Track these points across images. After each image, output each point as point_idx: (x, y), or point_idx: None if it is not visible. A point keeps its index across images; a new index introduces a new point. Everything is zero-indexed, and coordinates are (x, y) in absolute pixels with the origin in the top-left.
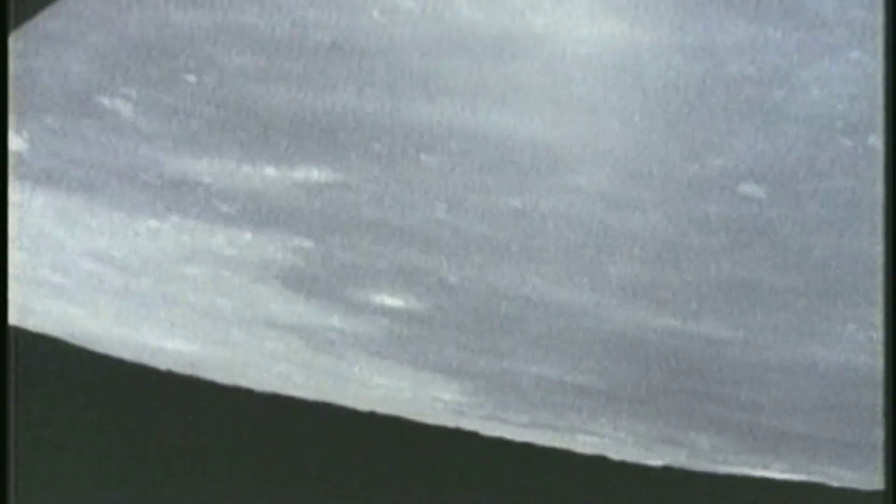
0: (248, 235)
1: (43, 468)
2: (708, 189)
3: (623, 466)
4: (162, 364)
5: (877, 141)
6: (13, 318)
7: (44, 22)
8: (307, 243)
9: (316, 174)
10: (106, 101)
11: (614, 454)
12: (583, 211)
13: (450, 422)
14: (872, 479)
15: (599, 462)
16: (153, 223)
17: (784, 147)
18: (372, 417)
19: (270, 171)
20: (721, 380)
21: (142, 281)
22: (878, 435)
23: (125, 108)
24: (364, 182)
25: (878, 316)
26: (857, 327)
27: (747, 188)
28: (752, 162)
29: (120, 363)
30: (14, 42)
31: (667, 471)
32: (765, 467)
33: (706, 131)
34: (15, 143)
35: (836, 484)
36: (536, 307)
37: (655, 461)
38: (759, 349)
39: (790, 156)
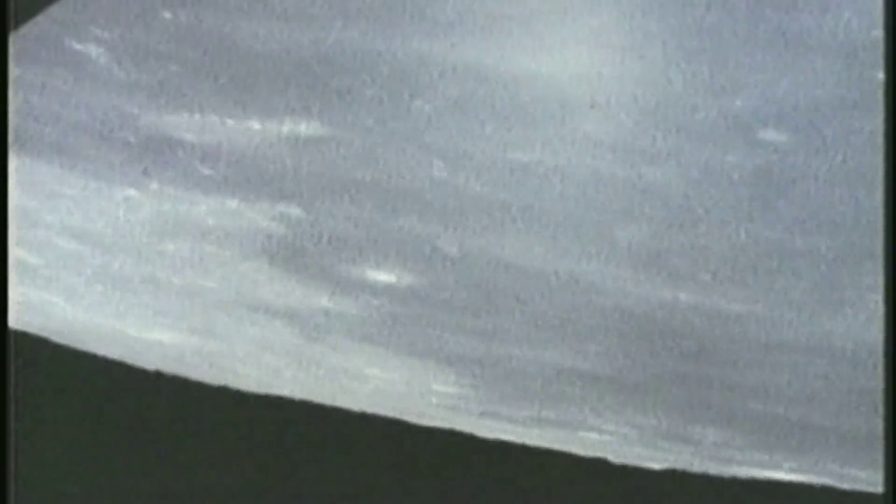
0: (232, 203)
1: (34, 470)
2: (725, 136)
3: (624, 469)
4: (146, 360)
5: None
6: None
7: None
8: (295, 210)
9: (303, 128)
10: (77, 45)
11: (616, 453)
12: (591, 165)
13: (445, 420)
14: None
15: (600, 465)
16: (132, 192)
17: (811, 83)
18: (363, 418)
19: (254, 124)
20: (734, 363)
21: (121, 261)
22: None
23: (98, 53)
24: (354, 135)
25: None
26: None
27: (768, 134)
28: (774, 102)
29: (105, 362)
30: None
31: (670, 473)
32: (776, 467)
33: (725, 66)
34: None
35: (850, 486)
36: (539, 281)
37: (659, 463)
38: (776, 326)
39: (817, 93)
